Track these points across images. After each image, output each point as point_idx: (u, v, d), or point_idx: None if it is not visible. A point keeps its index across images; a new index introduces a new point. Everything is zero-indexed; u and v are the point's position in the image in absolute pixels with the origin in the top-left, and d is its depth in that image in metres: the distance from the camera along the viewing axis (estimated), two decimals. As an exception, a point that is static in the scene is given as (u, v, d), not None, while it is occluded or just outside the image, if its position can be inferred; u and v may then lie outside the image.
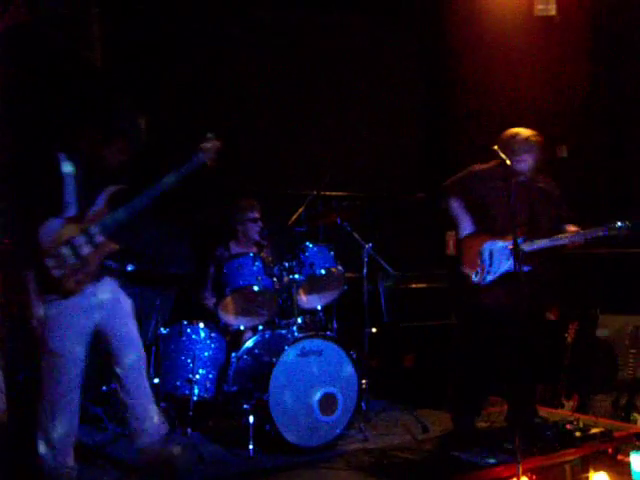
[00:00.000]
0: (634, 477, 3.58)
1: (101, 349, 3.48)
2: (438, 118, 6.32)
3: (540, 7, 5.68)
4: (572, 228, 4.02)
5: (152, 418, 3.51)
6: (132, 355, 3.47)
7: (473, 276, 3.97)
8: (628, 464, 3.65)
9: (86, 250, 3.28)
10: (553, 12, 5.67)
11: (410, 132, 6.41)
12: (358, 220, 4.77)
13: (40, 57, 4.52)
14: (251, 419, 3.87)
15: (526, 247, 3.89)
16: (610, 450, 3.84)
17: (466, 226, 4.10)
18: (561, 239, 3.96)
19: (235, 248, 4.86)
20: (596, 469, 3.66)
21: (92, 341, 3.42)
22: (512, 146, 3.96)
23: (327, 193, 4.92)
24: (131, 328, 3.52)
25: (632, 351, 4.63)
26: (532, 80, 5.88)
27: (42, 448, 3.27)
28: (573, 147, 5.91)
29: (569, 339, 4.89)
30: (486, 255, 3.98)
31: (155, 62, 4.99)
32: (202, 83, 5.22)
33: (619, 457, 3.82)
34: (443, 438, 4.14)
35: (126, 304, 3.54)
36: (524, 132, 4.04)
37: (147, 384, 3.55)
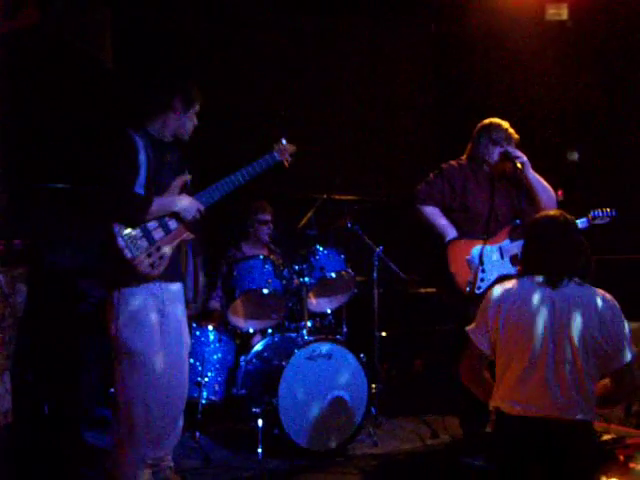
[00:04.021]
0: (646, 485, 3.54)
1: None
2: (451, 122, 6.30)
3: (552, 11, 5.67)
4: None
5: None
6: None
7: (467, 288, 3.75)
8: (640, 472, 3.62)
9: (158, 235, 3.15)
10: (565, 16, 5.66)
11: (422, 136, 6.40)
12: (368, 223, 4.76)
13: (51, 59, 4.54)
14: (260, 423, 3.86)
15: None
16: (622, 457, 3.80)
17: (449, 232, 3.89)
18: None
19: (246, 249, 4.86)
20: (608, 476, 3.62)
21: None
22: (492, 135, 3.88)
23: (337, 196, 4.90)
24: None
25: (644, 358, 4.58)
26: (543, 84, 5.86)
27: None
28: (584, 152, 5.90)
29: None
30: (476, 261, 3.77)
31: (166, 64, 4.99)
32: (212, 84, 5.21)
33: (631, 465, 3.77)
34: (453, 443, 4.12)
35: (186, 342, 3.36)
36: (505, 123, 3.93)
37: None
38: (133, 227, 3.08)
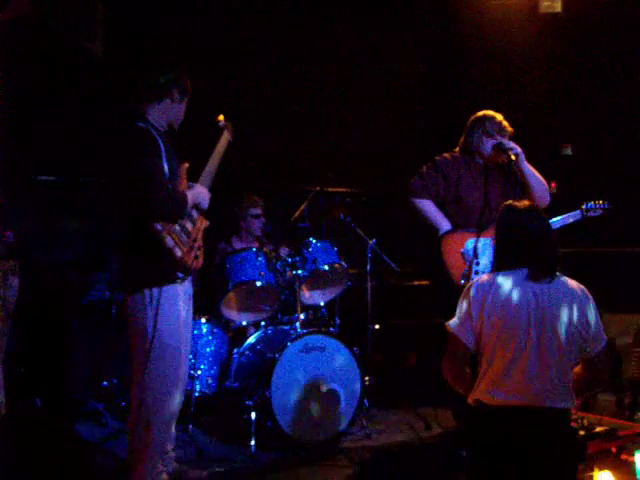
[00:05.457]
0: (638, 476, 3.56)
1: None
2: (442, 115, 6.31)
3: (546, 4, 5.66)
4: None
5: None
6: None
7: (461, 280, 3.74)
8: (632, 463, 3.63)
9: (189, 226, 3.13)
10: (559, 9, 5.66)
11: (414, 128, 6.40)
12: (361, 216, 4.75)
13: (41, 49, 4.51)
14: (253, 415, 3.85)
15: None
16: (614, 449, 3.81)
17: (443, 224, 3.88)
18: (560, 221, 3.94)
19: (237, 243, 4.84)
20: (600, 468, 3.63)
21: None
22: (486, 127, 3.86)
23: (330, 189, 4.89)
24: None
25: (636, 350, 4.60)
26: (537, 77, 5.86)
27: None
28: (578, 144, 5.90)
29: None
30: (471, 254, 3.77)
31: (156, 55, 4.97)
32: (204, 76, 5.18)
33: (623, 456, 3.79)
34: (446, 435, 4.12)
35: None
36: (498, 115, 3.92)
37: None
38: (173, 224, 3.04)
